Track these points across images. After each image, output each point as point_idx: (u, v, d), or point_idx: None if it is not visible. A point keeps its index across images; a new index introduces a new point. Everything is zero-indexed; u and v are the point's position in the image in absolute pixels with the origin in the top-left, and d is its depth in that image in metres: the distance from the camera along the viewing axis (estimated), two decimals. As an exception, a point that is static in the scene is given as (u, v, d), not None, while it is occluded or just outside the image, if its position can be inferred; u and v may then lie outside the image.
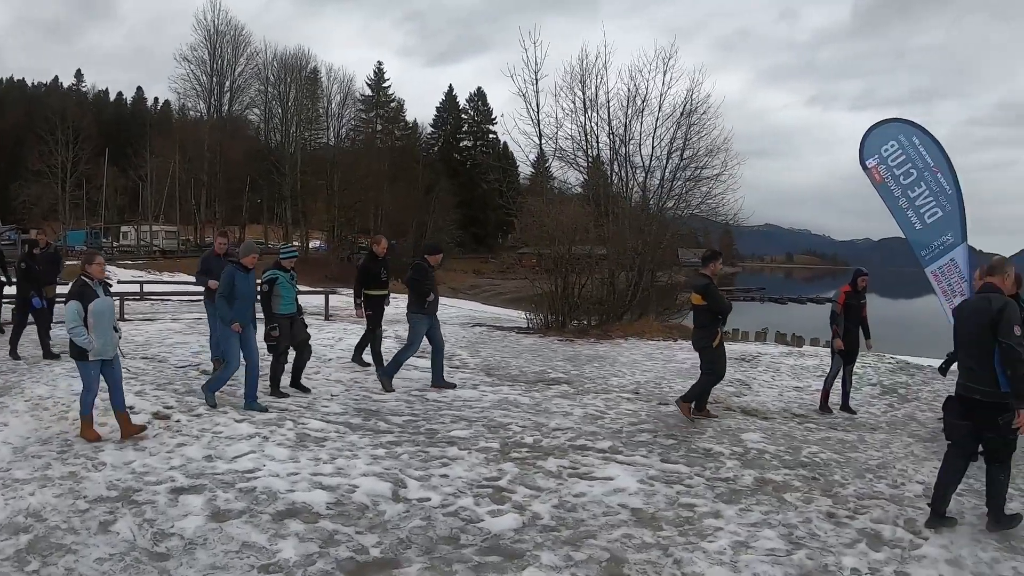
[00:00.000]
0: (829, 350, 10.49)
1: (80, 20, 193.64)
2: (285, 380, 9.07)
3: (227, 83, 71.62)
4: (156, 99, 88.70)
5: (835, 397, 10.15)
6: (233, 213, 69.47)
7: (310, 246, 68.30)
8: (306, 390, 9.14)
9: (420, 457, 6.58)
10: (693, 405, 8.90)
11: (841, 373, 10.07)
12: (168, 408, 7.77)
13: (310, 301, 22.03)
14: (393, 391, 9.55)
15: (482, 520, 5.23)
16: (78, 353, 6.66)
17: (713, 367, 8.94)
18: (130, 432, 6.78)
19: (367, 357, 10.97)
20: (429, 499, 5.56)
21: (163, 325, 15.27)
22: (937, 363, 14.67)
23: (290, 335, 8.87)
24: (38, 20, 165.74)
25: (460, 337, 15.81)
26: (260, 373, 8.36)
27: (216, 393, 8.15)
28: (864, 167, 10.60)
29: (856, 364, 14.23)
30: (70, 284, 6.93)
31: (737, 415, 9.26)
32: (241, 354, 8.19)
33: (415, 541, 4.83)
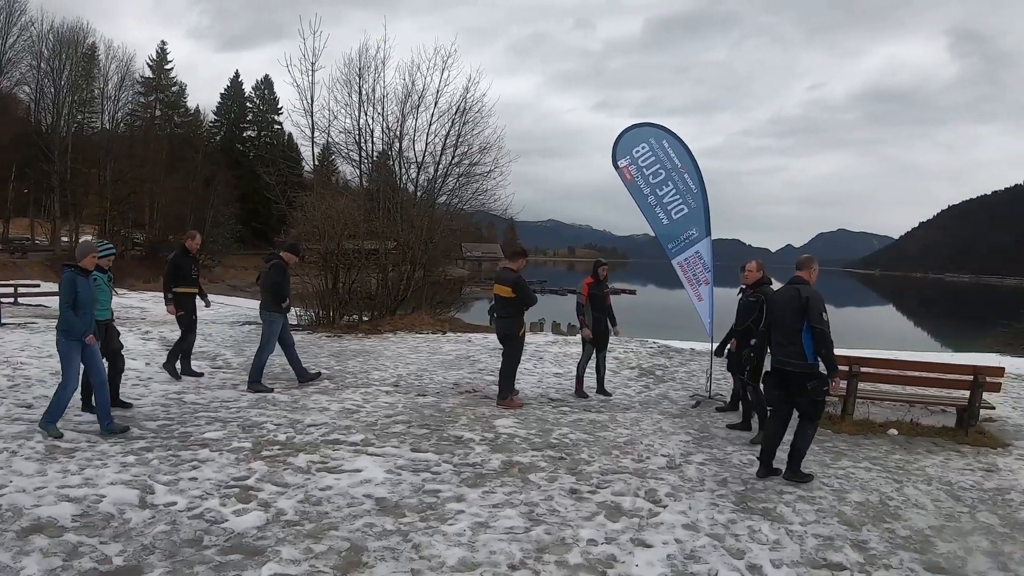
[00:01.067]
0: (580, 339, 10.90)
1: None
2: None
3: (-4, 56, 62.49)
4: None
5: (593, 381, 10.59)
6: (-4, 205, 61.89)
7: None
8: (127, 405, 8.20)
9: (170, 461, 6.24)
10: (511, 393, 9.55)
11: (594, 359, 10.52)
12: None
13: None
14: (271, 390, 9.64)
15: (227, 520, 5.06)
16: None
17: (516, 354, 9.54)
18: None
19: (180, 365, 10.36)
20: (175, 503, 5.31)
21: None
22: (696, 346, 15.79)
23: (105, 343, 7.93)
24: None
25: (227, 336, 15.15)
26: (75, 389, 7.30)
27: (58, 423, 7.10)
28: (616, 167, 11.09)
29: (619, 348, 15.04)
30: None
31: (493, 403, 9.42)
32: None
33: (159, 546, 4.61)
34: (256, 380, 9.68)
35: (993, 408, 9.60)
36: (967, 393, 9.17)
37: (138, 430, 7.28)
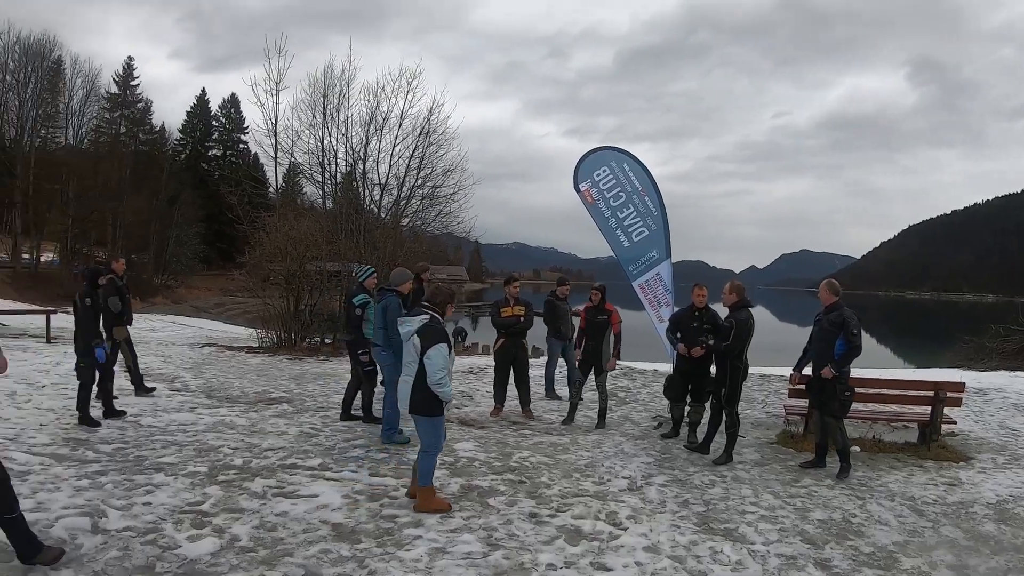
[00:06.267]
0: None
1: None
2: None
3: (-39, 68, 59.86)
4: None
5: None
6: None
7: (42, 259, 59.51)
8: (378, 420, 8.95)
9: (124, 486, 6.09)
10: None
11: (592, 382, 10.24)
12: None
13: (31, 321, 19.84)
14: None
15: (180, 546, 4.94)
16: (435, 407, 5.94)
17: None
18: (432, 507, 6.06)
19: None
20: (129, 528, 5.17)
21: None
22: (659, 367, 15.72)
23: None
24: None
25: (187, 358, 14.92)
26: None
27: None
28: (577, 190, 11.18)
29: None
30: (422, 321, 5.91)
31: (454, 426, 9.32)
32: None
33: (110, 573, 4.48)
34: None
35: (955, 423, 9.72)
36: (928, 409, 9.27)
37: (92, 453, 7.14)
